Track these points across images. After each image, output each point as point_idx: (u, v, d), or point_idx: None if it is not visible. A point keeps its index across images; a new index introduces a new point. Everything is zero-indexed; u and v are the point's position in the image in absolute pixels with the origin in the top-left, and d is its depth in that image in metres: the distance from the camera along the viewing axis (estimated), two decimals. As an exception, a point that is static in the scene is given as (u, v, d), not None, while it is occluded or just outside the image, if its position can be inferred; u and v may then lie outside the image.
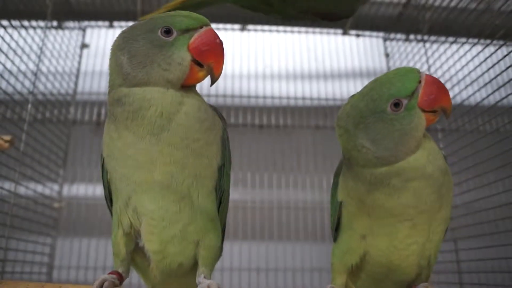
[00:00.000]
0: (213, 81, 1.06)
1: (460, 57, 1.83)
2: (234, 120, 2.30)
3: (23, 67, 1.84)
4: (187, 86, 1.04)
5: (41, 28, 2.04)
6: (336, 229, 1.19)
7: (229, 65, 2.34)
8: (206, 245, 1.09)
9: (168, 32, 1.00)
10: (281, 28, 2.50)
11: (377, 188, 1.03)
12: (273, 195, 2.20)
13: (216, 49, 1.03)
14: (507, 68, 1.50)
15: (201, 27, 1.03)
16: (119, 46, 1.03)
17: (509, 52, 1.50)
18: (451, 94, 1.81)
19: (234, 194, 2.18)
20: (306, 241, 2.13)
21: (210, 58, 1.02)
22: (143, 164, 0.99)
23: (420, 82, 1.02)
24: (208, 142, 1.04)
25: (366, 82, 1.11)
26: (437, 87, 1.03)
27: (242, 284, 2.04)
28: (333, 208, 1.20)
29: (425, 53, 2.14)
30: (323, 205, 2.17)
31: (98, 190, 2.16)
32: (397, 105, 1.00)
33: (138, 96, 0.99)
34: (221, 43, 1.04)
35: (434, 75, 1.96)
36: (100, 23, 2.43)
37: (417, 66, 2.17)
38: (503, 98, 1.54)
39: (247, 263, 2.08)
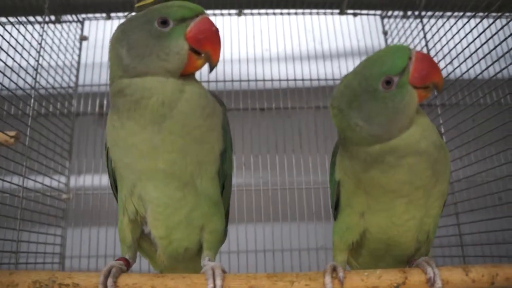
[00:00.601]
0: (211, 68, 1.07)
1: (458, 31, 1.82)
2: (234, 105, 2.31)
3: (24, 63, 1.85)
4: (186, 74, 1.06)
5: (39, 23, 2.06)
6: (336, 207, 1.21)
7: (227, 50, 2.34)
8: (210, 230, 1.13)
9: (164, 22, 1.02)
10: (277, 10, 2.48)
11: (372, 166, 1.04)
12: (276, 177, 2.22)
13: (212, 37, 1.04)
14: (505, 39, 1.49)
15: (197, 16, 1.04)
16: (118, 39, 1.05)
17: (507, 23, 1.50)
18: (450, 68, 1.84)
19: (238, 178, 2.22)
20: (310, 221, 2.15)
21: (207, 46, 1.04)
22: (146, 153, 1.01)
23: (410, 58, 1.01)
24: (210, 128, 1.06)
25: (365, 61, 1.11)
26: (428, 63, 1.02)
27: (249, 266, 2.07)
28: (332, 187, 1.22)
29: (423, 28, 2.13)
30: (325, 185, 2.18)
31: (104, 180, 2.19)
32: (388, 82, 1.00)
33: (139, 86, 1.01)
34: (217, 30, 1.05)
35: (433, 50, 1.99)
36: (97, 15, 2.43)
37: (415, 42, 2.17)
38: (501, 70, 1.53)
39: (253, 245, 2.11)
